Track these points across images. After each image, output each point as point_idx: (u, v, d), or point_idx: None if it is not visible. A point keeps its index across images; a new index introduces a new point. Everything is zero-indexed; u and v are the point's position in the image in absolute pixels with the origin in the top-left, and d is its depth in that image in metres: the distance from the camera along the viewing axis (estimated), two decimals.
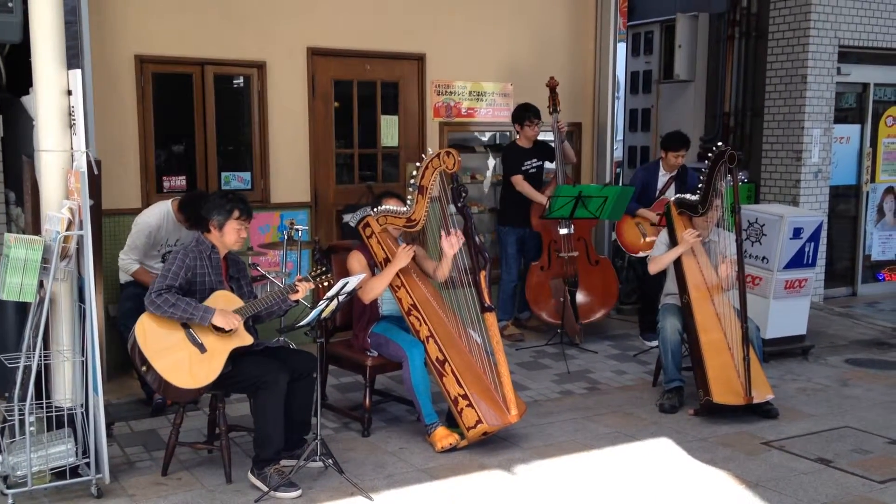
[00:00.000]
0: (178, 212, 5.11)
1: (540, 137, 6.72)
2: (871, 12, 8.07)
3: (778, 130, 8.11)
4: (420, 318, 4.59)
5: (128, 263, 5.08)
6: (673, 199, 5.45)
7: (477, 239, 4.61)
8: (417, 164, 4.61)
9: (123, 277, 5.20)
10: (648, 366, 6.05)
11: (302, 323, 3.96)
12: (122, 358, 4.97)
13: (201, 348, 3.79)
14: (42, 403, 3.85)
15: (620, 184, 8.10)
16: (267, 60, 6.11)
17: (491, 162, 7.44)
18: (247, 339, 3.91)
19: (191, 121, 5.99)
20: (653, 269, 5.38)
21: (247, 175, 6.20)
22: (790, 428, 4.87)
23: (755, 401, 4.92)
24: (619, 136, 8.13)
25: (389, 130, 6.78)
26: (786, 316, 6.35)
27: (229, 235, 4.00)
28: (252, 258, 5.53)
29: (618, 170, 8.12)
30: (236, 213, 3.99)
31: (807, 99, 7.85)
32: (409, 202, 4.64)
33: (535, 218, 6.54)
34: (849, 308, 8.18)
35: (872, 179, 8.79)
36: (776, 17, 8.03)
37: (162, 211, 5.15)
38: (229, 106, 6.15)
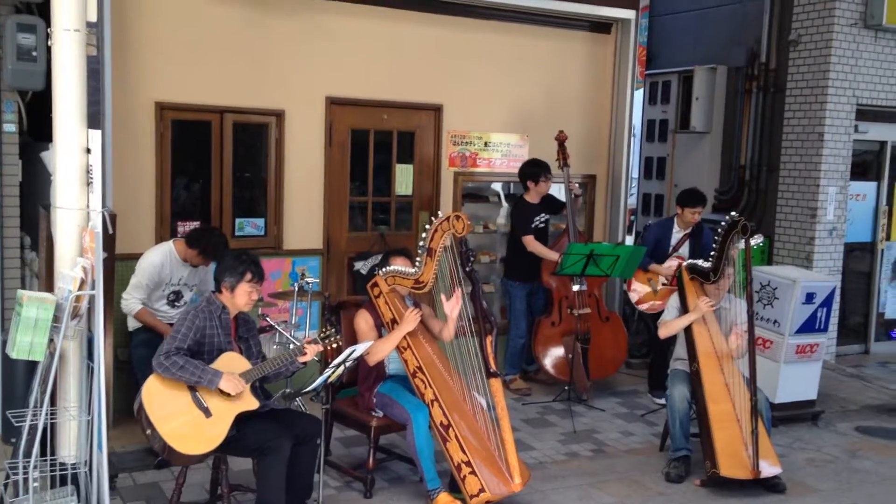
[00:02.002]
0: (188, 248, 5.15)
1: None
2: (891, 72, 8.06)
3: (793, 186, 8.09)
4: (425, 381, 4.58)
5: (131, 304, 5.10)
6: (685, 264, 5.44)
7: (484, 303, 4.61)
8: (433, 217, 4.62)
9: (132, 324, 5.23)
10: (656, 427, 6.01)
11: (308, 389, 3.98)
12: (130, 404, 4.98)
13: (206, 412, 3.80)
14: (46, 460, 3.86)
15: (634, 230, 8.11)
16: (286, 109, 6.16)
17: (503, 212, 7.45)
18: (252, 404, 3.92)
19: (207, 166, 6.04)
20: (663, 333, 5.37)
21: (260, 221, 6.23)
22: None
23: (762, 475, 4.88)
24: (634, 186, 8.13)
25: (404, 179, 6.81)
26: (796, 380, 6.29)
27: (240, 297, 4.03)
28: (262, 309, 5.54)
29: (632, 217, 8.13)
30: (248, 276, 4.01)
31: (823, 157, 7.83)
32: (417, 263, 4.65)
33: (546, 274, 6.54)
34: (860, 368, 8.11)
35: (888, 237, 8.73)
36: (794, 73, 8.04)
37: (164, 250, 5.21)
38: (246, 153, 6.20)
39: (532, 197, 6.62)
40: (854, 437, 6.10)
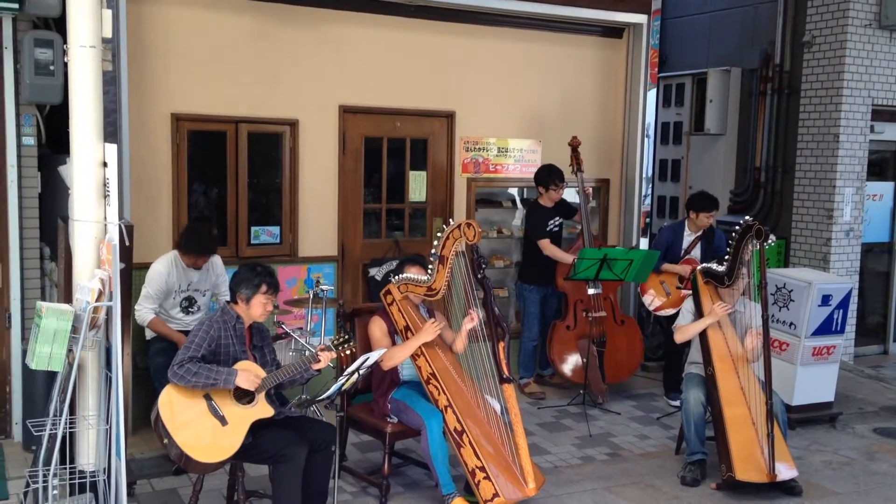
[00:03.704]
0: (183, 256, 5.22)
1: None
2: None
3: (809, 188, 8.05)
4: (439, 387, 4.61)
5: (143, 313, 5.17)
6: (700, 268, 5.44)
7: (496, 310, 4.64)
8: (445, 224, 4.67)
9: (149, 333, 5.30)
10: (672, 430, 6.00)
11: (322, 396, 4.01)
12: (149, 411, 5.05)
13: (222, 421, 3.85)
14: (66, 468, 3.93)
15: (649, 232, 8.10)
16: (299, 118, 6.23)
17: (518, 216, 7.47)
18: (267, 412, 3.96)
19: (223, 176, 6.11)
20: (679, 338, 5.36)
21: (276, 229, 6.29)
22: None
23: (779, 478, 4.87)
24: (648, 188, 8.13)
25: (417, 186, 6.85)
26: (813, 383, 6.27)
27: (256, 309, 4.08)
28: (277, 316, 5.59)
29: (647, 220, 8.14)
30: (264, 288, 4.06)
31: (839, 158, 7.79)
32: (430, 271, 4.69)
33: (560, 278, 6.55)
34: (879, 369, 8.05)
35: None
36: (809, 75, 8.01)
37: (169, 258, 5.28)
38: (261, 162, 6.27)
39: (545, 201, 6.66)
40: (872, 439, 6.07)
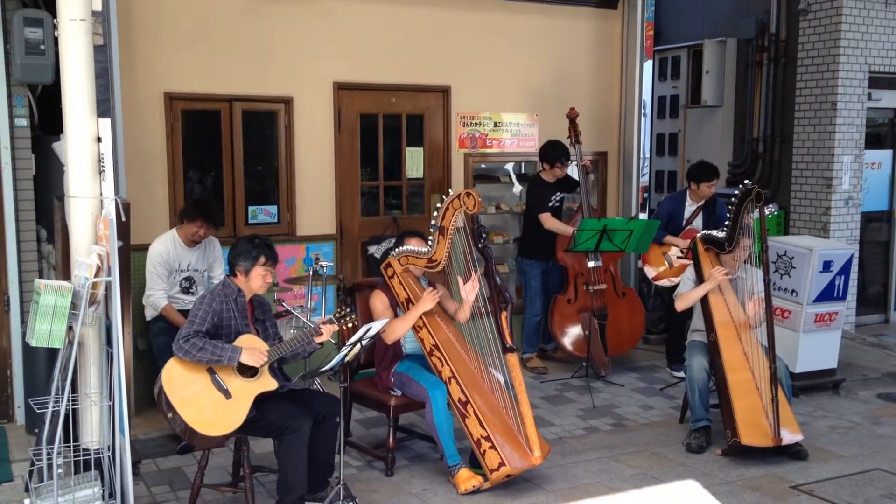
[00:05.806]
0: (187, 224, 5.21)
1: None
2: None
3: (808, 157, 8.02)
4: (442, 358, 4.59)
5: (157, 299, 5.18)
6: (700, 235, 5.41)
7: (498, 279, 4.61)
8: (443, 196, 4.63)
9: (150, 313, 5.28)
10: (675, 400, 5.99)
11: (325, 368, 3.99)
12: (151, 392, 5.02)
13: (226, 394, 3.83)
14: (70, 446, 3.90)
15: (648, 207, 8.07)
16: (294, 96, 6.18)
17: (516, 191, 7.43)
18: (271, 385, 3.94)
19: (219, 155, 6.07)
20: (679, 306, 5.34)
21: (273, 209, 6.25)
22: (819, 470, 4.79)
23: (784, 442, 4.86)
24: (646, 162, 8.09)
25: (414, 162, 6.81)
26: (816, 349, 6.26)
27: (255, 281, 4.05)
28: (277, 294, 5.56)
29: (645, 194, 8.11)
30: (262, 259, 4.04)
31: (836, 126, 7.76)
32: (430, 242, 4.66)
33: (561, 251, 6.52)
34: (881, 337, 8.05)
35: None
36: (805, 43, 7.96)
37: (168, 237, 5.29)
38: (256, 141, 6.22)
39: (548, 176, 6.62)
40: (876, 405, 6.06)
